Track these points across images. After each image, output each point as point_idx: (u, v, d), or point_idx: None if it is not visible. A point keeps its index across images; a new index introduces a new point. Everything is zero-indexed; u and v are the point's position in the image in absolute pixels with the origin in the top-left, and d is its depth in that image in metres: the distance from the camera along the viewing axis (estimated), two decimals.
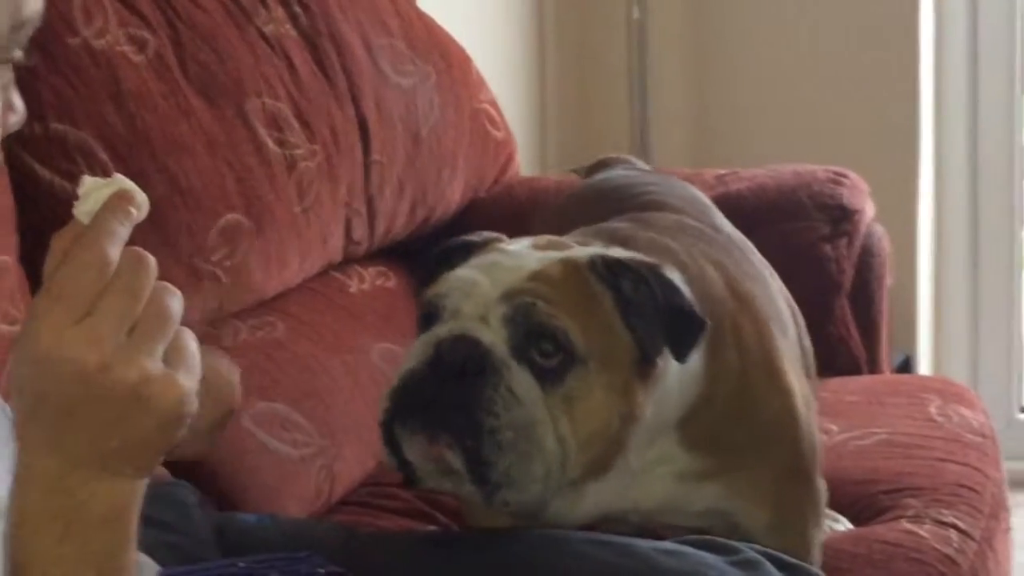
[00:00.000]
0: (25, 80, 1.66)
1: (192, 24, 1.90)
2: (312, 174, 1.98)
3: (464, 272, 1.29)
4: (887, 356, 2.37)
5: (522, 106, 3.05)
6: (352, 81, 2.13)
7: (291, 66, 2.04)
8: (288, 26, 2.08)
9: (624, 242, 1.38)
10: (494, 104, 2.46)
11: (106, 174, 1.56)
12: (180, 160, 1.78)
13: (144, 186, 1.72)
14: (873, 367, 2.30)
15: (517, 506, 1.24)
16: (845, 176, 2.35)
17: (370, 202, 2.11)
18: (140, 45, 1.81)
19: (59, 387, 0.86)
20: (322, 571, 0.93)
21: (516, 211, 2.29)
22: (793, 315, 1.63)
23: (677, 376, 1.31)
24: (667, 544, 1.22)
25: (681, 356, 1.28)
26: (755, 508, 1.41)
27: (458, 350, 1.22)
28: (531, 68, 3.16)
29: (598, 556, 1.19)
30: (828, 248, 2.25)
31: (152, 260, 0.90)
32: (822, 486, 1.47)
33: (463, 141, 2.35)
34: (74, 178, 1.60)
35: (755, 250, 1.66)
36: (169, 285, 0.91)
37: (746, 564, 1.19)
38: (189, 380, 0.89)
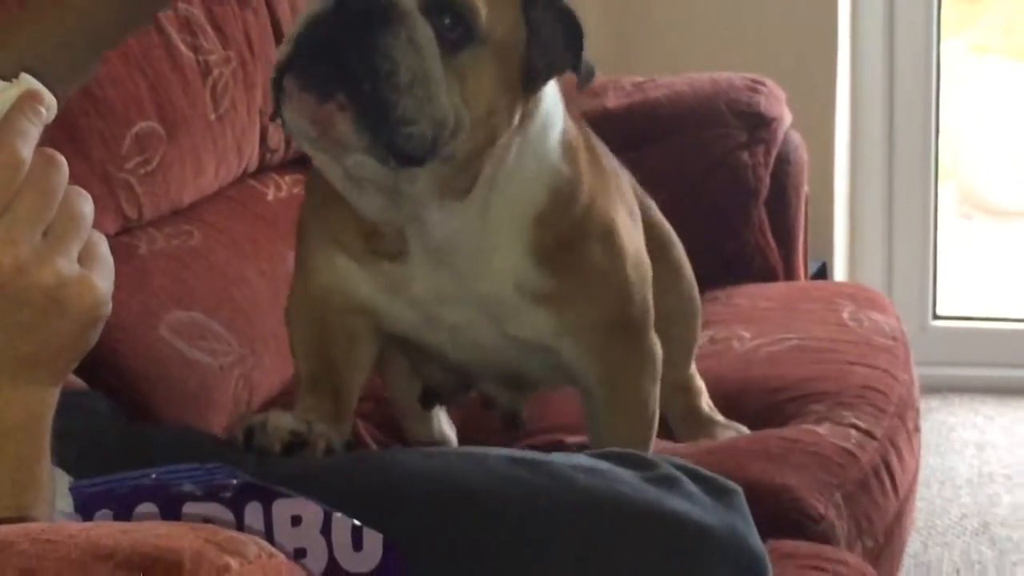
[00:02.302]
0: None
1: None
2: (227, 80, 1.96)
3: None
4: (803, 263, 2.39)
5: None
6: None
7: None
8: None
9: None
10: None
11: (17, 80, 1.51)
12: None
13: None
14: (789, 274, 2.32)
15: (406, 149, 1.24)
16: (762, 84, 2.36)
17: None
18: None
19: None
20: (235, 481, 0.93)
21: None
22: (656, 218, 1.70)
23: (537, 154, 1.35)
24: (583, 460, 1.23)
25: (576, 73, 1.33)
26: (583, 352, 1.45)
27: None
28: None
29: (513, 473, 1.20)
30: (745, 155, 2.26)
31: (64, 161, 0.89)
32: (656, 349, 1.50)
33: None
34: None
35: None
36: (79, 188, 0.90)
37: (662, 479, 1.20)
38: (104, 282, 0.88)
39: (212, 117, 1.92)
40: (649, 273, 1.50)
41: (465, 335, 1.44)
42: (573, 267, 1.41)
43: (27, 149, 0.87)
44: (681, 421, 1.77)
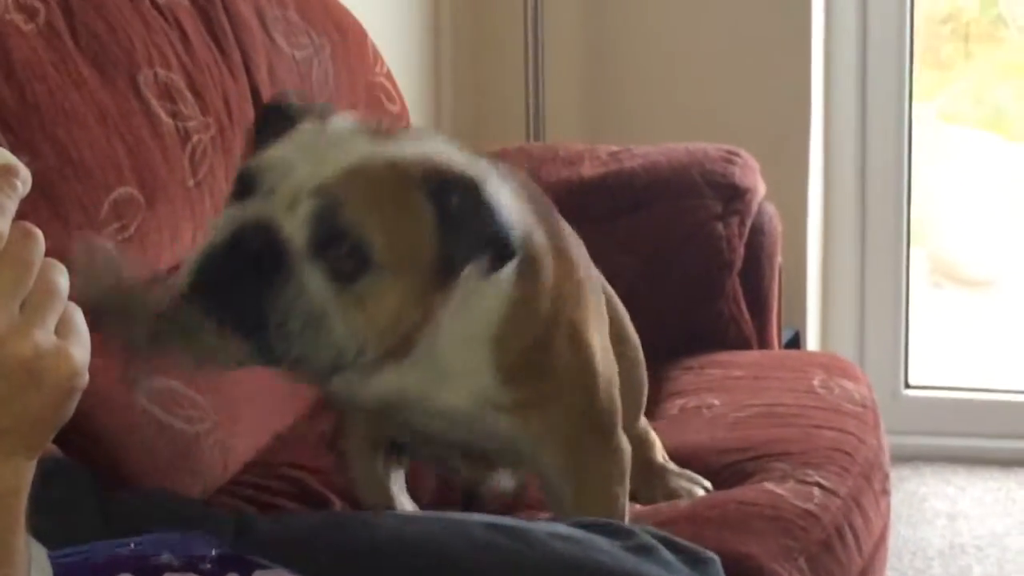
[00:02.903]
0: None
1: None
2: (205, 146, 1.96)
3: (287, 152, 1.30)
4: (777, 332, 2.40)
5: (416, 80, 3.04)
6: (245, 52, 2.12)
7: (184, 36, 2.01)
8: None
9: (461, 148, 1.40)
10: (389, 77, 2.46)
11: None
12: (71, 131, 1.75)
13: (35, 158, 1.71)
14: (763, 343, 2.33)
15: (307, 376, 1.30)
16: (737, 155, 2.38)
17: None
18: (30, 14, 1.78)
19: None
20: (215, 552, 0.93)
21: None
22: (605, 290, 1.70)
23: (481, 289, 1.35)
24: (561, 528, 1.23)
25: (489, 273, 1.32)
26: (549, 449, 1.46)
27: (256, 239, 1.24)
28: (426, 42, 3.15)
29: (492, 540, 1.20)
30: (720, 226, 2.28)
31: (40, 234, 0.89)
32: (624, 447, 1.52)
33: (358, 114, 2.34)
34: None
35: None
36: (55, 261, 0.89)
37: (640, 549, 1.20)
38: (81, 353, 0.88)
39: (191, 183, 1.92)
40: (615, 371, 1.51)
41: (427, 423, 1.46)
42: (539, 376, 1.42)
43: (3, 223, 0.87)
44: (636, 472, 1.78)
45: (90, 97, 1.80)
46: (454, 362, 1.38)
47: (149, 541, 0.94)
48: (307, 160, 1.29)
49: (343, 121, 1.37)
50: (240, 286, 1.24)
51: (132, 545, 0.93)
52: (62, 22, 1.82)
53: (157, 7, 1.99)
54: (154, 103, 1.90)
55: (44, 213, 1.68)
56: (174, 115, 1.93)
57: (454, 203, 1.29)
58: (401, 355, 1.34)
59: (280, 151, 1.31)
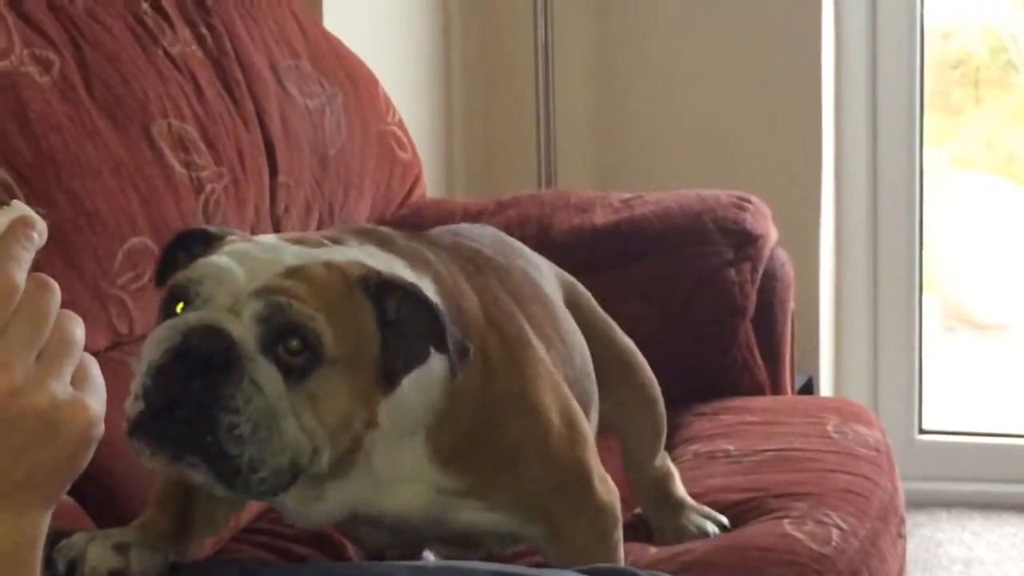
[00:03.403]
0: None
1: (97, 45, 1.88)
2: (219, 196, 1.97)
3: (218, 259, 1.28)
4: (790, 378, 2.40)
5: (429, 128, 3.05)
6: (258, 103, 2.13)
7: (197, 87, 2.03)
8: (194, 47, 2.07)
9: (381, 243, 1.38)
10: (401, 126, 2.47)
11: (11, 196, 1.54)
12: (86, 182, 1.76)
13: (49, 209, 1.72)
14: (776, 389, 2.33)
15: (263, 492, 1.25)
16: (748, 201, 2.38)
17: (277, 224, 2.11)
18: (45, 66, 1.80)
19: None
20: None
21: None
22: (611, 334, 1.71)
23: (415, 386, 1.32)
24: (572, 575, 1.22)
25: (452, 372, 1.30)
26: (525, 521, 1.43)
27: (206, 342, 1.21)
28: (437, 90, 3.16)
29: None
30: (732, 272, 2.28)
31: (56, 285, 0.90)
32: (606, 500, 1.47)
33: (370, 163, 2.35)
34: None
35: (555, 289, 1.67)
36: (70, 312, 0.90)
37: None
38: (97, 403, 0.89)
39: None
40: (583, 430, 1.46)
41: (389, 527, 1.43)
42: (487, 457, 1.39)
43: (21, 274, 0.88)
44: (653, 505, 1.80)
45: (104, 148, 1.81)
46: (391, 465, 1.35)
47: None
48: (240, 265, 1.26)
49: (260, 237, 1.34)
50: (191, 395, 1.21)
51: None
52: (76, 74, 1.83)
53: (170, 58, 2.00)
54: (168, 153, 1.91)
55: (59, 263, 1.69)
56: (188, 165, 1.94)
57: (393, 307, 1.28)
58: (346, 467, 1.30)
59: (210, 260, 1.28)
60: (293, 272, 1.26)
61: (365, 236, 1.39)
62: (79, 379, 0.89)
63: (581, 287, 1.76)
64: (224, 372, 1.21)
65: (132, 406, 1.23)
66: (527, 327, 1.47)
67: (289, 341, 1.23)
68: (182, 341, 1.22)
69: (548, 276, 1.68)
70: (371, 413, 1.28)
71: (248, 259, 1.27)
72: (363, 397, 1.27)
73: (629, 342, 1.76)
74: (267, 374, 1.22)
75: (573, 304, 1.69)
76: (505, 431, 1.39)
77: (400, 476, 1.36)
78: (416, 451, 1.36)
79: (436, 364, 1.32)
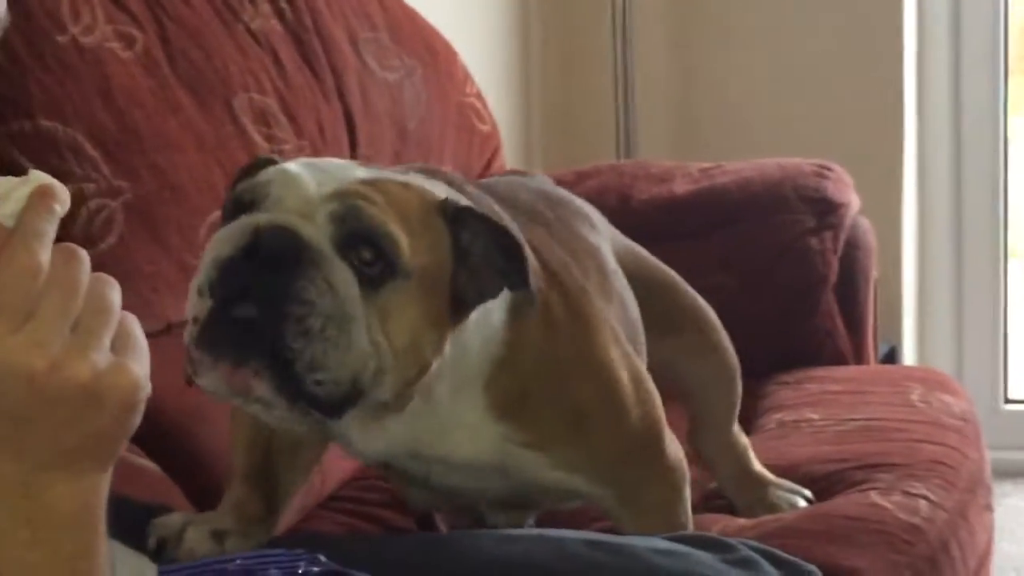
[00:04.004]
0: (14, 77, 1.67)
1: (179, 20, 1.90)
2: None
3: (289, 166, 1.21)
4: (873, 347, 2.38)
5: (507, 100, 3.05)
6: (338, 76, 2.14)
7: (277, 61, 2.04)
8: (274, 21, 2.08)
9: (450, 183, 1.33)
10: (480, 98, 2.47)
11: (96, 171, 1.55)
12: (169, 156, 1.78)
13: (134, 183, 1.74)
14: (859, 359, 2.32)
15: (321, 402, 1.16)
16: (830, 169, 2.37)
17: None
18: (128, 41, 1.81)
19: (11, 397, 0.85)
20: (318, 569, 0.93)
21: None
22: (691, 301, 1.67)
23: (476, 331, 1.28)
24: (662, 543, 1.22)
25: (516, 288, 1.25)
26: (593, 482, 1.39)
27: (277, 239, 1.14)
28: (516, 62, 3.16)
29: (592, 557, 1.19)
30: (813, 241, 2.27)
31: (84, 254, 0.88)
32: (675, 461, 1.44)
33: (449, 135, 2.36)
34: (65, 176, 1.60)
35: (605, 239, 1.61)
36: (104, 276, 0.89)
37: (742, 562, 1.19)
38: (139, 365, 0.88)
39: None
40: (648, 390, 1.42)
41: (453, 468, 1.39)
42: (552, 413, 1.34)
43: (45, 252, 0.86)
44: (733, 481, 1.77)
45: (187, 122, 1.83)
46: (453, 412, 1.31)
47: (255, 557, 0.94)
48: (312, 173, 1.20)
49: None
50: (261, 291, 1.13)
51: (238, 560, 0.94)
52: (159, 49, 1.85)
53: (251, 33, 2.01)
54: (249, 127, 1.92)
55: (144, 237, 1.70)
56: (269, 139, 1.95)
57: (469, 237, 1.23)
58: (407, 400, 1.25)
59: (278, 167, 1.22)
60: (371, 183, 1.21)
61: (432, 175, 1.33)
62: (120, 343, 0.88)
63: (635, 244, 1.71)
64: (296, 269, 1.13)
65: (196, 304, 1.15)
66: (583, 282, 1.43)
67: (362, 250, 1.16)
68: (250, 240, 1.14)
69: (601, 229, 1.62)
70: (439, 340, 1.22)
71: (318, 169, 1.21)
72: (433, 321, 1.21)
73: (706, 306, 1.71)
74: (342, 275, 1.15)
75: (627, 253, 1.64)
76: (570, 387, 1.35)
77: (461, 423, 1.32)
78: (475, 400, 1.31)
79: (496, 313, 1.29)
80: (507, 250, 1.24)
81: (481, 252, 1.23)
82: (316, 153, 2.01)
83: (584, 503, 1.51)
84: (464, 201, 1.28)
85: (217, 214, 1.82)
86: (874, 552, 1.62)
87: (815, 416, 2.01)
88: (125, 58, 1.79)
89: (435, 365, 1.23)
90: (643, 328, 1.56)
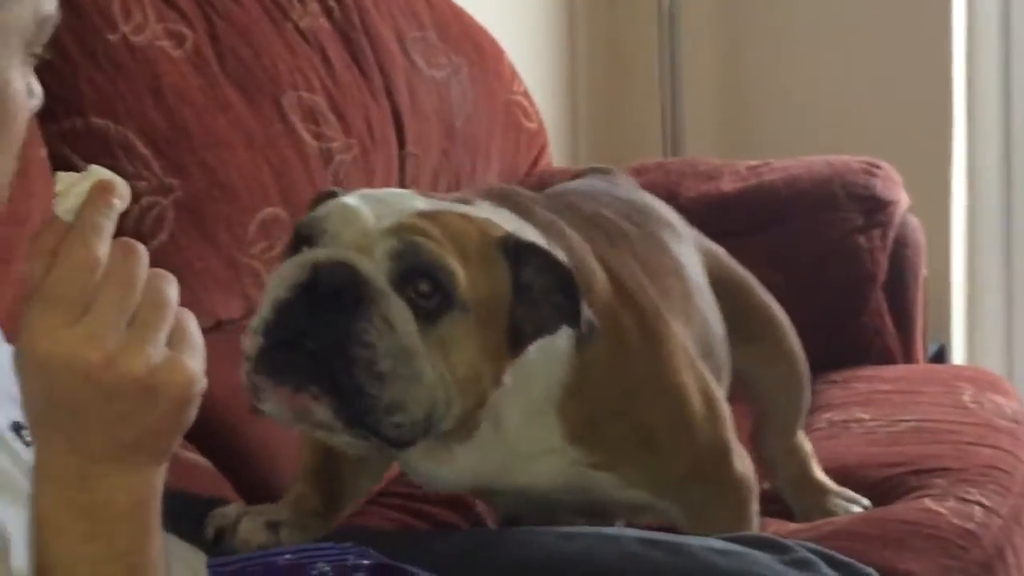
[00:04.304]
0: (66, 76, 1.69)
1: (229, 19, 1.91)
2: (348, 167, 1.99)
3: (348, 199, 1.23)
4: (922, 346, 2.37)
5: (554, 98, 3.05)
6: (386, 74, 2.15)
7: (326, 59, 2.05)
8: (322, 20, 2.09)
9: (517, 209, 1.34)
10: (526, 95, 2.47)
11: (147, 169, 1.56)
12: (219, 154, 1.79)
13: (184, 180, 1.75)
14: (908, 357, 2.31)
15: (393, 437, 1.18)
16: (878, 167, 2.36)
17: None
18: (178, 40, 1.82)
19: (67, 389, 0.85)
20: (368, 562, 0.94)
21: None
22: (759, 300, 1.67)
23: (542, 358, 1.28)
24: (719, 543, 1.22)
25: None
26: (662, 499, 1.40)
27: (335, 276, 1.16)
28: (562, 60, 3.16)
29: (650, 555, 1.19)
30: (862, 239, 2.26)
31: (143, 248, 0.89)
32: (742, 475, 1.44)
33: (496, 132, 2.36)
34: (116, 173, 1.61)
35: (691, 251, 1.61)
36: (162, 271, 0.90)
37: (799, 563, 1.19)
38: (194, 361, 0.89)
39: None
40: (720, 407, 1.43)
41: (518, 500, 1.40)
42: (621, 433, 1.35)
43: (103, 246, 0.87)
44: (793, 485, 1.77)
45: (236, 120, 1.84)
46: (526, 440, 1.31)
47: (305, 551, 0.95)
48: (370, 207, 1.21)
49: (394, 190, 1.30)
50: (321, 330, 1.15)
51: (288, 555, 0.95)
52: (209, 47, 1.86)
53: (300, 31, 2.02)
54: (298, 125, 1.93)
55: (193, 234, 1.72)
56: (318, 136, 1.96)
57: (530, 272, 1.24)
58: (470, 428, 1.26)
59: (337, 200, 1.23)
60: (429, 216, 1.22)
61: (500, 199, 1.34)
62: (176, 338, 0.88)
63: (716, 245, 1.72)
64: (354, 308, 1.15)
65: (250, 342, 1.17)
66: (661, 302, 1.42)
67: (419, 283, 1.18)
68: (309, 277, 1.16)
69: (685, 236, 1.63)
70: (497, 372, 1.23)
71: (377, 201, 1.23)
72: (491, 354, 1.22)
73: (777, 308, 1.72)
74: (399, 311, 1.17)
75: (707, 255, 1.64)
76: (642, 409, 1.36)
77: (535, 451, 1.33)
78: (550, 427, 1.32)
79: (562, 339, 1.29)
80: (566, 288, 1.24)
81: (540, 288, 1.24)
82: (364, 152, 2.02)
83: (653, 518, 1.52)
84: (529, 232, 1.29)
85: (267, 211, 1.84)
86: (928, 557, 1.62)
87: (865, 416, 2.01)
88: (175, 56, 1.80)
89: (494, 395, 1.24)
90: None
